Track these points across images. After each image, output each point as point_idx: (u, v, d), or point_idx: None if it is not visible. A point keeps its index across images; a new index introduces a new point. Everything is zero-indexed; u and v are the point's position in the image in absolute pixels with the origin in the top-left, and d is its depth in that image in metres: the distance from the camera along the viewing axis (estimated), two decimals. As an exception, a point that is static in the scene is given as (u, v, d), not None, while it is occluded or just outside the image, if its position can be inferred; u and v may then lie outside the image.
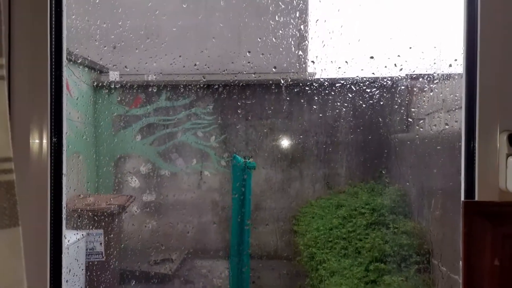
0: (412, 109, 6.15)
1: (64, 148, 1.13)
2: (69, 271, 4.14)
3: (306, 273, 4.86)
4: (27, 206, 1.01)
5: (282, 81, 6.28)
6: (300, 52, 6.46)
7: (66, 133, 1.13)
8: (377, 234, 4.33)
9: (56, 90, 1.11)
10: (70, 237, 4.25)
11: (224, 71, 5.83)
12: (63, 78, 1.12)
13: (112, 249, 4.79)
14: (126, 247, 5.48)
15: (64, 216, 1.10)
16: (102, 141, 6.55)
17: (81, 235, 4.46)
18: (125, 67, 6.63)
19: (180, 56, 6.14)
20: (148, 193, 6.57)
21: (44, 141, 1.06)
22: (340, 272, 3.99)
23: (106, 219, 4.76)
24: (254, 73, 6.03)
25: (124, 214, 5.34)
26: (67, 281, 1.11)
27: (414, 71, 5.59)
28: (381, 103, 6.31)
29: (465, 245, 0.96)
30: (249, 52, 5.91)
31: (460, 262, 1.01)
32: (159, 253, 6.05)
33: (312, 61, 5.60)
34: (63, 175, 1.10)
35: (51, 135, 1.07)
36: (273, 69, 5.64)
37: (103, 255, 4.71)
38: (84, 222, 4.66)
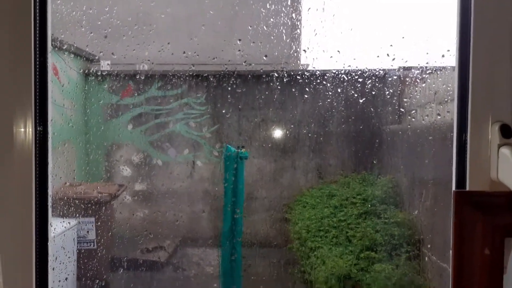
0: (404, 100, 6.17)
1: (50, 136, 1.10)
2: (55, 258, 4.13)
3: (298, 261, 4.90)
4: (11, 196, 0.99)
5: (274, 72, 6.25)
6: (292, 41, 6.43)
7: (52, 120, 1.10)
8: (368, 223, 4.38)
9: (40, 78, 1.08)
10: (61, 225, 4.23)
11: (213, 58, 5.77)
12: (48, 65, 1.08)
13: (103, 237, 4.78)
14: (117, 235, 5.47)
15: (50, 205, 1.08)
16: (92, 129, 6.48)
17: (72, 223, 4.44)
18: (112, 53, 6.53)
19: (169, 43, 6.06)
20: (140, 182, 6.55)
21: (29, 129, 1.03)
22: (331, 260, 4.03)
23: (97, 207, 4.74)
24: (245, 61, 5.98)
25: (115, 203, 5.32)
26: (53, 269, 1.10)
27: (406, 61, 5.59)
28: (373, 93, 6.32)
29: (455, 234, 0.96)
30: (239, 40, 5.84)
31: (450, 251, 1.01)
32: (150, 241, 6.05)
33: (304, 50, 5.55)
34: (49, 164, 1.08)
35: (35, 124, 1.04)
36: (264, 58, 5.59)
37: (95, 243, 4.69)
38: (75, 210, 4.64)
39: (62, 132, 5.71)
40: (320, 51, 5.34)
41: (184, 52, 5.62)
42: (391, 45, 4.79)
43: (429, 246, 3.84)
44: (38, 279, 1.03)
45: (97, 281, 4.67)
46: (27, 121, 1.03)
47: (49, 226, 1.07)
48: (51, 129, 1.10)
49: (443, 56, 3.78)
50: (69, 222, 4.39)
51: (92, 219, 4.71)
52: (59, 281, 4.04)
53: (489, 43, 1.05)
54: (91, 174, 6.50)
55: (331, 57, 5.13)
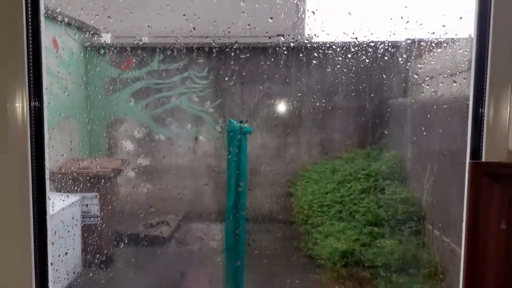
0: (412, 73, 6.05)
1: (46, 111, 1.05)
2: (54, 233, 4.16)
3: (301, 235, 4.92)
4: (7, 172, 0.95)
5: (280, 42, 6.11)
6: (299, 10, 6.25)
7: (46, 89, 1.05)
8: (371, 199, 4.36)
9: (34, 51, 1.01)
10: (64, 201, 4.24)
11: (214, 21, 5.61)
12: (42, 38, 1.02)
13: (107, 212, 4.80)
14: (121, 210, 5.50)
15: (47, 180, 1.04)
16: (95, 104, 6.42)
17: (75, 198, 4.44)
18: (113, 26, 6.39)
19: (172, 15, 5.91)
20: (143, 157, 6.54)
21: (22, 104, 0.98)
22: (334, 235, 4.04)
23: (100, 182, 4.74)
24: (249, 25, 5.81)
25: (118, 178, 5.31)
26: (53, 243, 1.08)
27: (421, 24, 5.40)
28: (380, 67, 6.18)
29: (470, 207, 0.91)
30: (243, 12, 5.68)
31: (464, 224, 0.97)
32: (154, 216, 6.10)
33: (313, 12, 5.25)
34: (46, 139, 1.03)
35: (29, 98, 0.99)
36: (270, 20, 5.38)
37: (98, 218, 4.72)
38: (78, 186, 4.64)
39: (64, 106, 5.66)
40: (330, 14, 5.05)
41: (184, 15, 5.43)
42: (402, 17, 4.60)
43: (432, 221, 3.84)
44: (37, 254, 1.01)
45: (101, 255, 4.72)
46: (21, 95, 0.98)
47: (47, 200, 1.03)
48: (47, 102, 1.04)
49: (460, 18, 3.56)
50: (72, 198, 4.40)
51: (95, 194, 4.72)
52: (59, 256, 4.08)
53: (510, 13, 0.98)
54: (94, 149, 6.48)
55: (339, 27, 4.89)
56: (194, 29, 5.80)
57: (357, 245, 3.74)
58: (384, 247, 3.59)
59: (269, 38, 6.14)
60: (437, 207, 3.77)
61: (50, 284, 1.08)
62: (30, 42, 1.00)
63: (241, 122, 2.87)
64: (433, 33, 4.94)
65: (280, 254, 5.14)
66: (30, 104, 1.00)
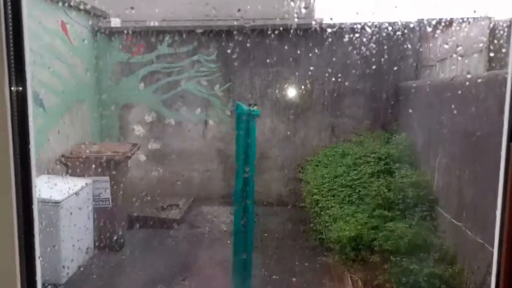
0: (424, 55, 5.92)
1: (30, 96, 0.98)
2: (70, 215, 4.23)
3: (310, 219, 4.93)
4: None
5: (290, 25, 6.01)
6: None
7: (31, 77, 0.97)
8: (382, 182, 4.32)
9: (14, 28, 0.93)
10: (76, 184, 4.30)
11: (223, 6, 5.54)
12: (23, 15, 0.93)
13: (118, 195, 4.87)
14: (132, 194, 5.57)
15: (33, 167, 0.98)
16: (105, 89, 6.44)
17: (87, 182, 4.50)
18: (123, 9, 6.36)
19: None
20: (153, 141, 6.57)
21: (1, 89, 0.91)
22: (343, 218, 4.03)
23: (112, 166, 4.79)
24: (260, 10, 5.73)
25: (129, 162, 5.36)
26: (40, 235, 1.03)
27: (429, 14, 5.28)
28: (392, 48, 6.06)
29: (511, 192, 0.85)
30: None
31: (497, 212, 0.91)
32: (165, 199, 6.17)
33: None
34: (30, 126, 0.97)
35: (10, 82, 0.93)
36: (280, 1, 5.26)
37: (110, 201, 4.79)
38: (90, 170, 4.69)
39: (74, 92, 5.69)
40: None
41: (209, 10, 5.35)
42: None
43: (444, 205, 3.79)
44: (22, 247, 0.93)
45: (113, 238, 4.81)
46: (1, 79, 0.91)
47: (33, 188, 0.98)
48: (31, 86, 0.98)
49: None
50: (83, 181, 4.45)
51: (107, 178, 4.78)
52: (71, 238, 4.16)
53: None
54: (105, 134, 6.54)
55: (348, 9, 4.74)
56: (208, 14, 5.73)
57: (367, 229, 3.73)
58: (394, 231, 3.57)
59: (279, 30, 6.05)
60: (449, 190, 3.72)
61: (38, 279, 1.01)
62: (10, 19, 0.92)
63: (249, 105, 2.84)
64: (447, 13, 4.81)
65: (289, 237, 5.17)
66: (10, 89, 0.93)
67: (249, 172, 2.92)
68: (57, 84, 5.24)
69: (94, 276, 4.19)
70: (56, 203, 3.89)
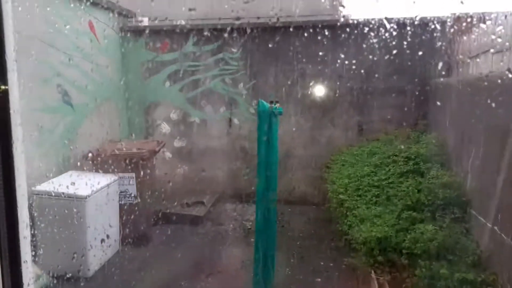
0: (456, 51, 5.68)
1: (14, 93, 0.93)
2: (100, 210, 4.29)
3: (335, 219, 4.82)
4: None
5: (316, 22, 5.91)
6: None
7: (12, 77, 0.92)
8: (411, 182, 4.17)
9: None
10: (102, 180, 4.37)
11: (247, 4, 5.48)
12: (3, 11, 0.87)
13: (144, 192, 4.92)
14: (158, 190, 5.62)
15: (20, 165, 0.92)
16: (131, 87, 6.54)
17: (114, 179, 4.57)
18: (149, 13, 6.42)
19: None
20: (179, 139, 6.62)
21: None
22: (370, 219, 3.91)
23: (138, 163, 4.84)
24: (284, 8, 5.65)
25: (155, 159, 5.42)
26: (25, 237, 0.96)
27: (462, 8, 5.06)
28: (422, 44, 5.86)
29: None
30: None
31: None
32: (190, 196, 6.20)
33: None
34: (14, 123, 0.91)
35: None
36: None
37: (136, 198, 4.84)
38: (116, 167, 4.76)
39: (101, 90, 5.80)
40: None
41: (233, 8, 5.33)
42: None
43: (477, 207, 3.62)
44: (6, 252, 0.88)
45: (138, 234, 4.86)
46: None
47: (17, 189, 0.91)
48: (16, 84, 0.93)
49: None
50: (110, 178, 4.52)
51: (133, 174, 4.84)
52: (98, 234, 4.22)
53: None
54: (131, 131, 6.64)
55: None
56: (235, 11, 5.70)
57: (394, 230, 3.60)
58: (424, 233, 3.43)
59: (304, 28, 5.95)
60: (483, 192, 3.55)
61: (24, 284, 0.94)
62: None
63: (271, 102, 2.78)
64: (482, 6, 4.59)
65: (314, 237, 5.08)
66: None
67: (272, 170, 2.87)
68: (85, 82, 5.35)
69: (120, 271, 4.24)
70: (82, 198, 3.96)
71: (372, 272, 3.56)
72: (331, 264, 4.32)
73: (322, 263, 4.35)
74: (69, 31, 4.97)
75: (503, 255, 3.04)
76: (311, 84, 6.24)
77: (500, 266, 3.06)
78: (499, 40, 4.23)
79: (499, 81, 3.33)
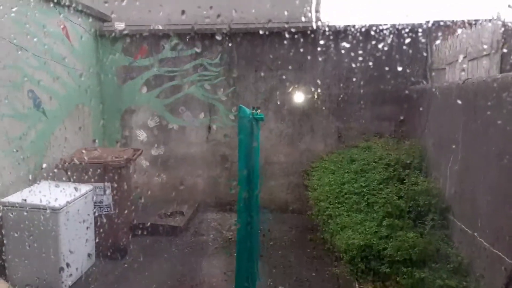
0: (433, 58, 5.79)
1: None
2: (66, 223, 4.12)
3: (317, 227, 4.79)
4: None
5: (295, 28, 5.91)
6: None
7: None
8: (391, 189, 4.17)
9: None
10: (76, 191, 4.19)
11: (227, 10, 5.45)
12: None
13: (120, 202, 4.76)
14: (135, 201, 5.45)
15: None
16: (107, 93, 6.36)
17: (88, 189, 4.40)
18: (126, 14, 6.29)
19: (183, 1, 5.78)
20: (156, 146, 6.47)
21: None
22: (352, 227, 3.88)
23: (114, 172, 4.68)
24: (264, 14, 5.62)
25: (132, 168, 5.26)
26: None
27: (438, 16, 5.16)
28: (400, 51, 5.94)
29: None
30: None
31: None
32: (169, 206, 6.05)
33: None
34: None
35: None
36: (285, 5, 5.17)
37: (112, 208, 4.68)
38: (91, 176, 4.59)
39: (76, 95, 5.60)
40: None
41: (199, 7, 5.27)
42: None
43: (456, 213, 3.65)
44: None
45: (115, 246, 4.69)
46: None
47: None
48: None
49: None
50: (84, 188, 4.35)
51: (108, 184, 4.67)
52: (72, 247, 4.05)
53: None
54: (107, 138, 6.45)
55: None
56: (195, 25, 5.62)
57: (376, 238, 3.58)
58: (405, 241, 3.42)
59: (284, 34, 5.95)
60: (462, 198, 3.58)
61: None
62: None
63: (253, 108, 2.72)
64: (457, 15, 4.68)
65: (296, 245, 5.03)
66: None
67: (253, 178, 2.80)
68: (58, 87, 5.16)
69: (95, 286, 4.06)
70: (55, 210, 3.78)
71: (355, 281, 3.53)
72: (314, 274, 4.27)
73: (304, 273, 4.29)
74: (41, 34, 4.79)
75: (483, 261, 3.06)
76: (291, 90, 6.23)
77: (481, 271, 3.07)
78: (476, 47, 4.31)
79: (475, 87, 3.37)
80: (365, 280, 3.44)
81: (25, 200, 3.82)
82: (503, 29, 3.97)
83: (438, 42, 5.65)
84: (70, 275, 4.01)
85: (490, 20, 4.06)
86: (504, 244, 2.78)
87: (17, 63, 4.38)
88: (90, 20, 6.11)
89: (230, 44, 6.19)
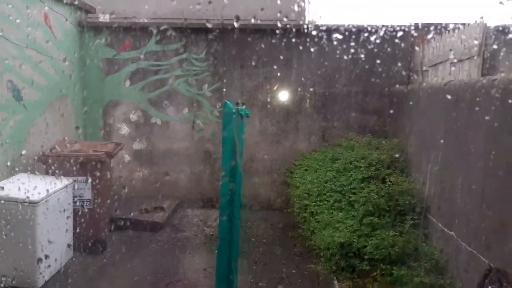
0: (416, 60, 5.87)
1: None
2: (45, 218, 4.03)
3: (298, 224, 4.81)
4: None
5: (282, 25, 5.91)
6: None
7: None
8: (372, 188, 4.22)
9: None
10: (56, 184, 4.10)
11: (213, 5, 5.41)
12: None
13: (100, 197, 4.68)
14: (115, 195, 5.38)
15: None
16: (89, 84, 6.24)
17: (67, 182, 4.31)
18: (111, 9, 6.19)
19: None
20: (138, 141, 6.39)
21: None
22: (332, 225, 3.92)
23: (94, 166, 4.60)
24: (251, 10, 5.61)
25: (113, 162, 5.17)
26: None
27: (422, 19, 5.23)
28: (384, 52, 6.01)
29: None
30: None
31: None
32: (150, 201, 5.99)
33: None
34: None
35: None
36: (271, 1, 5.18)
37: (91, 203, 4.60)
38: (70, 169, 4.50)
39: (57, 86, 5.48)
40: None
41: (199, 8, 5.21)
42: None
43: (435, 212, 3.71)
44: None
45: (93, 241, 4.61)
46: None
47: None
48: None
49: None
50: (63, 181, 4.26)
51: (88, 178, 4.59)
52: (50, 241, 3.97)
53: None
54: (88, 131, 6.33)
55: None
56: (186, 19, 5.56)
57: (356, 236, 3.62)
58: (384, 239, 3.47)
59: (270, 31, 5.94)
60: (441, 198, 3.64)
61: None
62: None
63: (237, 104, 2.70)
64: (441, 18, 4.75)
65: (277, 243, 5.04)
66: None
67: (236, 175, 2.79)
68: (38, 78, 5.03)
69: (72, 282, 3.99)
70: (33, 203, 3.69)
71: (335, 278, 3.56)
72: (294, 271, 4.29)
73: (284, 270, 4.31)
74: (21, 22, 4.66)
75: (459, 260, 3.12)
76: (275, 88, 6.23)
77: (457, 270, 3.14)
78: (459, 50, 4.39)
79: (456, 89, 3.43)
80: (345, 277, 3.48)
81: (2, 190, 3.72)
82: (485, 32, 4.05)
83: (422, 44, 5.73)
84: (49, 266, 3.93)
85: (473, 24, 4.14)
86: (481, 244, 2.84)
87: (-4, 51, 4.25)
88: (74, 10, 5.98)
89: (216, 40, 6.15)
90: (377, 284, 3.33)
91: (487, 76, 3.22)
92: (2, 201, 3.65)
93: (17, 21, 4.57)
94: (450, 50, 4.62)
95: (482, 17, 3.87)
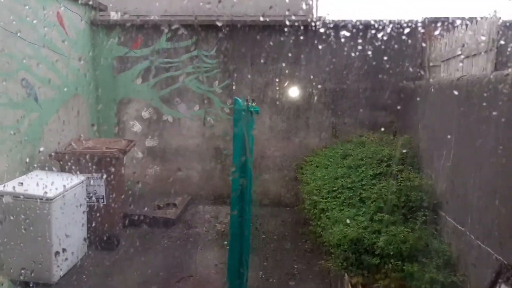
0: (429, 55, 5.80)
1: None
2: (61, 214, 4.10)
3: (309, 221, 4.81)
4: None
5: (292, 22, 5.90)
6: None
7: None
8: (383, 185, 4.20)
9: None
10: (70, 181, 4.18)
11: (224, 2, 5.42)
12: None
13: (113, 193, 4.75)
14: (128, 192, 5.45)
15: None
16: (102, 83, 6.32)
17: (81, 179, 4.39)
18: (122, 7, 6.24)
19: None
20: (151, 138, 6.46)
21: None
22: (343, 221, 3.91)
23: (107, 163, 4.67)
24: (261, 7, 5.60)
25: (125, 159, 5.25)
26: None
27: (434, 13, 5.16)
28: (395, 48, 5.95)
29: None
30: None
31: None
32: (162, 198, 6.06)
33: None
34: None
35: None
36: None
37: (104, 199, 4.67)
38: (84, 166, 4.57)
39: (70, 85, 5.57)
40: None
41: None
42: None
43: (447, 209, 3.68)
44: None
45: (107, 237, 4.69)
46: None
47: None
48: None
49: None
50: (77, 178, 4.34)
51: (102, 175, 4.66)
52: (65, 237, 4.04)
53: None
54: (101, 129, 6.42)
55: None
56: (197, 17, 5.57)
57: (368, 232, 3.61)
58: (396, 235, 3.45)
59: (280, 27, 5.93)
60: (453, 195, 3.61)
61: None
62: None
63: (247, 100, 2.72)
64: (453, 12, 4.69)
65: (288, 239, 5.06)
66: None
67: (246, 171, 2.81)
68: (52, 77, 5.12)
69: (87, 276, 4.07)
70: (48, 200, 3.77)
71: (346, 274, 3.56)
72: (305, 267, 4.30)
73: (295, 266, 4.32)
74: (36, 21, 4.74)
75: (472, 257, 3.10)
76: (286, 84, 6.22)
77: (470, 267, 3.12)
78: (471, 44, 4.33)
79: (469, 84, 3.39)
80: (356, 273, 3.48)
81: (19, 189, 3.80)
82: (499, 27, 3.99)
83: (434, 39, 5.66)
84: (66, 259, 4.02)
85: (486, 18, 4.07)
86: (494, 241, 2.81)
87: (11, 51, 4.33)
88: (87, 9, 6.05)
89: (226, 37, 6.16)
90: (388, 280, 3.32)
91: (499, 71, 3.17)
92: (21, 197, 3.74)
93: (31, 19, 4.65)
94: (463, 44, 4.56)
95: (495, 11, 3.81)
